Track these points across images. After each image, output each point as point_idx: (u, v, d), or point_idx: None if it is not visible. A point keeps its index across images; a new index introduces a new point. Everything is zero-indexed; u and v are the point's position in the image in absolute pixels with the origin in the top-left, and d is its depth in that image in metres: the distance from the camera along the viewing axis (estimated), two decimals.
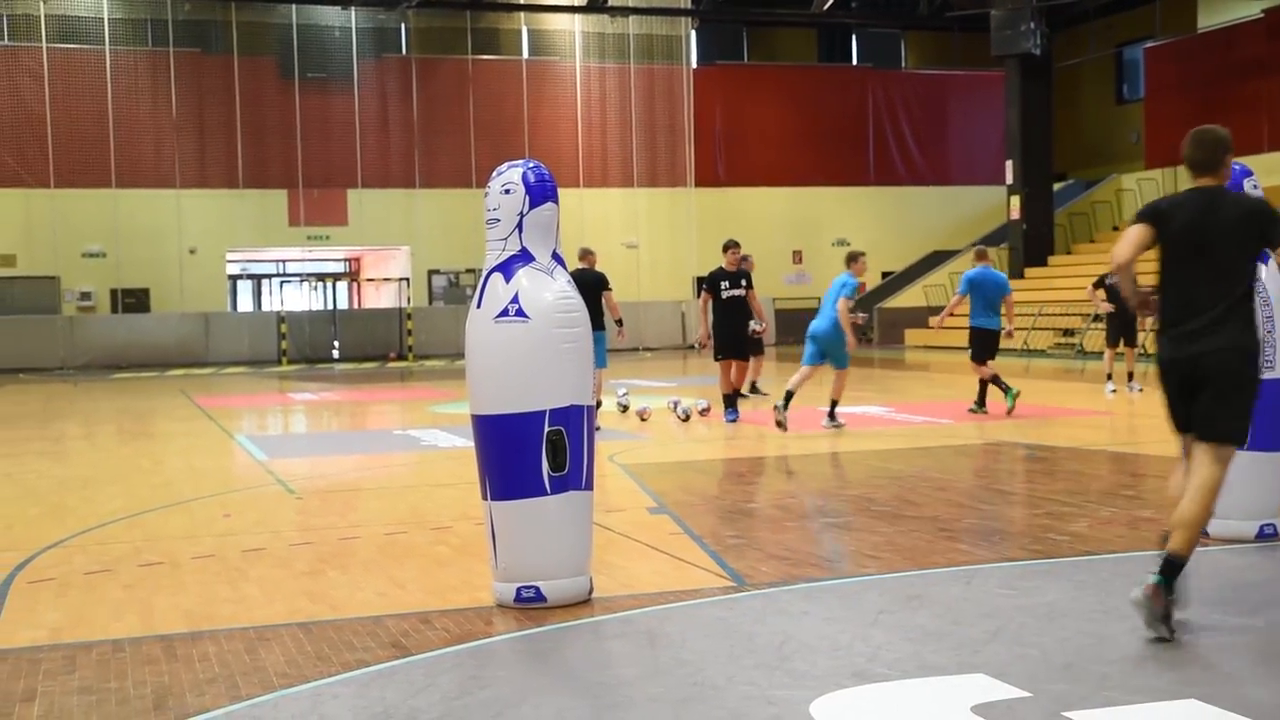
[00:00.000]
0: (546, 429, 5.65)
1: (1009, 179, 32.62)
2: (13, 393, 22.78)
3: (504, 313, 5.70)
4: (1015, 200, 32.46)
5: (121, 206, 31.11)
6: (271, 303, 36.09)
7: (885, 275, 36.60)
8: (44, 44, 30.87)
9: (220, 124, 31.98)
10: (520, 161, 5.96)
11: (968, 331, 14.39)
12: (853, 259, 13.24)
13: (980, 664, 4.68)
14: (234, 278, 35.00)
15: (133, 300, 31.59)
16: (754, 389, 16.84)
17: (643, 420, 14.25)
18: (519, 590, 5.75)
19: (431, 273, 33.83)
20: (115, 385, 24.32)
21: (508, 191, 5.80)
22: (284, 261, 36.43)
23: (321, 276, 36.58)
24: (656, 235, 35.16)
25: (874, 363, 26.16)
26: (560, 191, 6.03)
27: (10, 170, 30.42)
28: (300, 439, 14.51)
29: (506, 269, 5.77)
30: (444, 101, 33.39)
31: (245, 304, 35.83)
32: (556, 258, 5.86)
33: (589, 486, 5.84)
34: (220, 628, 5.59)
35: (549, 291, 5.74)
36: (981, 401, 14.18)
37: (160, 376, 26.78)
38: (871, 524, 7.66)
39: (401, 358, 31.68)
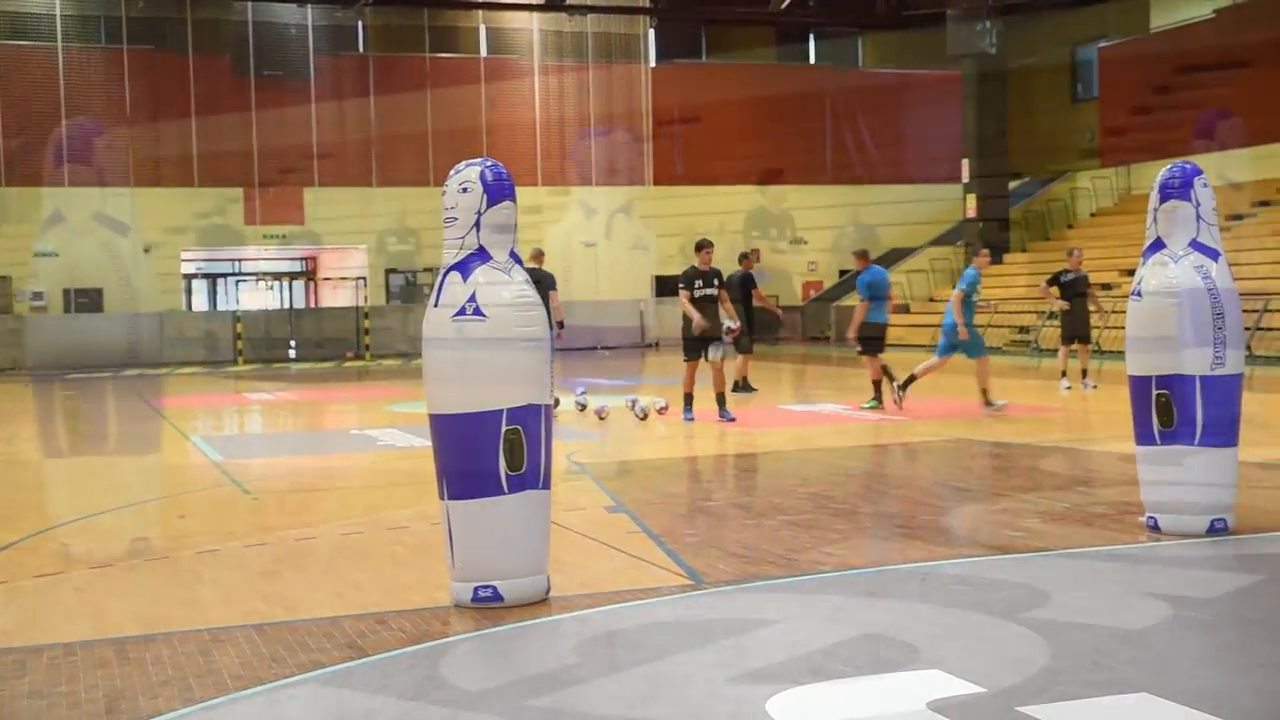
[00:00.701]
0: (504, 428, 5.64)
1: (965, 177, 32.84)
2: None
3: (461, 311, 5.68)
4: (971, 198, 32.69)
5: (75, 205, 30.77)
6: (227, 302, 35.80)
7: (843, 274, 36.74)
8: None
9: (175, 122, 31.67)
10: (478, 160, 5.94)
11: (862, 327, 14.83)
12: (977, 253, 15.58)
13: (936, 660, 4.71)
14: (189, 277, 34.67)
15: (86, 300, 31.23)
16: (743, 385, 16.84)
17: (601, 419, 14.24)
18: (476, 590, 5.74)
19: (389, 272, 33.68)
20: (68, 386, 24.05)
21: (465, 190, 5.78)
22: (239, 260, 36.13)
23: (278, 275, 36.31)
24: (615, 234, 35.14)
25: (830, 360, 26.25)
26: (518, 190, 6.01)
27: None
28: (256, 439, 14.40)
29: (464, 268, 5.75)
30: (401, 100, 33.23)
31: (200, 303, 35.52)
32: (514, 256, 5.85)
33: (546, 486, 5.83)
34: (174, 630, 5.53)
35: (507, 290, 5.72)
36: (906, 384, 14.43)
37: (114, 377, 26.49)
38: (829, 521, 7.68)
39: (359, 357, 31.50)
